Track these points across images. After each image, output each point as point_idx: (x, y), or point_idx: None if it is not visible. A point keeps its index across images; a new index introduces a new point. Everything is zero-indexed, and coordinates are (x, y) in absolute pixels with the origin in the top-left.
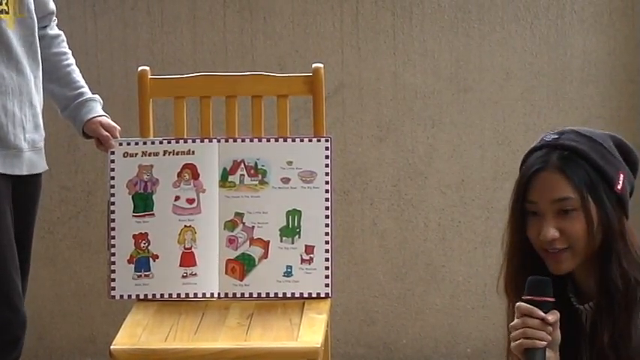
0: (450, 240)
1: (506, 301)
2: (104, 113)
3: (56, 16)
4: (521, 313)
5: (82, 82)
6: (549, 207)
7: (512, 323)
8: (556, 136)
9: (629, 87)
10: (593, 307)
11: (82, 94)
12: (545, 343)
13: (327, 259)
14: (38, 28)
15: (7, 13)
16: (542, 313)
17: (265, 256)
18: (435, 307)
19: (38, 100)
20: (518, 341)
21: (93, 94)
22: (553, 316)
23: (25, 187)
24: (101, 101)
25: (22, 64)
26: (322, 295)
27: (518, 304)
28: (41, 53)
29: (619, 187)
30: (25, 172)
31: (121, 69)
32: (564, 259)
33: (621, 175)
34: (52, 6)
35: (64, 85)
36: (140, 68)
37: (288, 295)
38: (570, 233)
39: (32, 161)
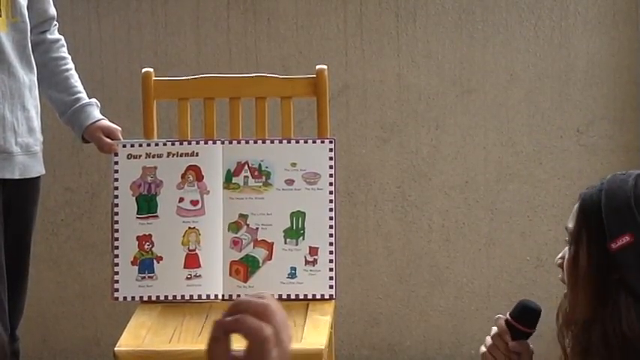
0: (454, 241)
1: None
2: (102, 117)
3: (59, 19)
4: (498, 328)
5: (79, 87)
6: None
7: (492, 329)
8: (619, 173)
9: (632, 88)
10: None
11: (78, 99)
12: None
13: (331, 261)
14: (38, 33)
15: None
16: (509, 340)
17: (269, 257)
18: (439, 309)
19: (33, 104)
20: (484, 351)
21: (96, 96)
22: (519, 348)
23: (20, 191)
24: (99, 104)
25: (14, 67)
26: (326, 297)
27: (498, 317)
28: (40, 58)
29: (614, 246)
30: (16, 176)
31: (124, 70)
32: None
33: (626, 238)
34: (53, 11)
35: (62, 90)
36: (144, 70)
37: (292, 297)
38: (565, 270)
39: (25, 165)
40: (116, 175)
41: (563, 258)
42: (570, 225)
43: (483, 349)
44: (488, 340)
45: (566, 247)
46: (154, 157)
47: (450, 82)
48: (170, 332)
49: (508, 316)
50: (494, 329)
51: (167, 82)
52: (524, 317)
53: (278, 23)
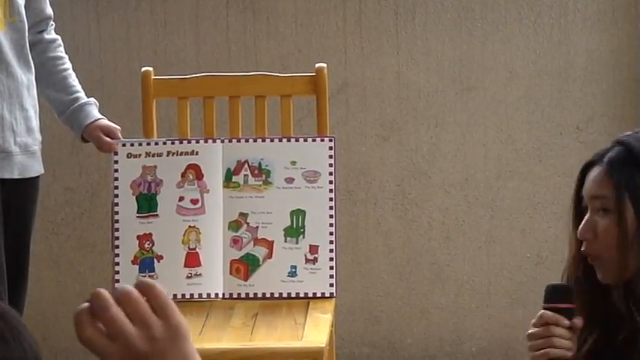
0: (454, 239)
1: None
2: (101, 116)
3: (59, 18)
4: (544, 322)
5: (77, 86)
6: (590, 204)
7: (531, 331)
8: (629, 133)
9: (632, 85)
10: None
11: (77, 99)
12: (572, 352)
13: (331, 259)
14: (35, 32)
15: None
16: (568, 322)
17: (269, 256)
18: (440, 306)
19: (31, 103)
20: (544, 350)
21: (96, 95)
22: (579, 322)
23: (19, 191)
24: (97, 103)
25: (12, 67)
26: (327, 295)
27: (542, 312)
28: (37, 58)
29: None
30: (16, 176)
31: (124, 69)
32: (598, 268)
33: None
34: (49, 11)
35: (60, 90)
36: (143, 69)
37: (293, 295)
38: (601, 239)
39: (24, 165)
40: (116, 175)
41: (590, 229)
42: (602, 191)
43: (541, 349)
44: (541, 333)
45: (587, 217)
46: (153, 156)
47: (449, 80)
48: None
49: (548, 304)
50: (536, 330)
51: (166, 81)
52: (564, 295)
53: (277, 22)
